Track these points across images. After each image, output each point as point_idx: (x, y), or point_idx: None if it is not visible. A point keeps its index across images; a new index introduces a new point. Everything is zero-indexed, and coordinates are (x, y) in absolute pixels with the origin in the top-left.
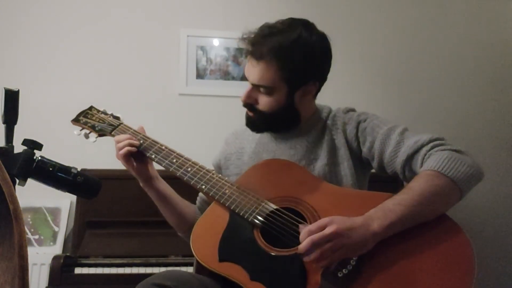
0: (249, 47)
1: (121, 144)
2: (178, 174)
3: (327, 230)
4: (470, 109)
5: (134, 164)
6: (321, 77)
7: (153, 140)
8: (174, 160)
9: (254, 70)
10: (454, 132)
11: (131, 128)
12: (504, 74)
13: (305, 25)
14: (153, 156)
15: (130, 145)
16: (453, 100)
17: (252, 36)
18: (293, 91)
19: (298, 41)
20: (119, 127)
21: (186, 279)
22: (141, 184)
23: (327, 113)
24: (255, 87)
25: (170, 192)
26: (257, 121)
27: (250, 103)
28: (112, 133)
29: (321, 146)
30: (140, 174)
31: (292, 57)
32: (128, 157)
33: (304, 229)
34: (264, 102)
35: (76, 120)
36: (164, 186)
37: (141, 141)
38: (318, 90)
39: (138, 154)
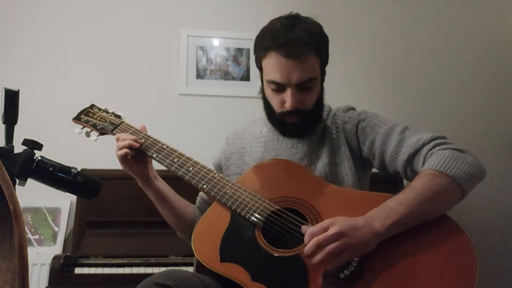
0: (281, 49)
1: (120, 144)
2: (179, 174)
3: (331, 231)
4: (470, 109)
5: (133, 166)
6: None
7: (154, 139)
8: (176, 160)
9: (299, 68)
10: (454, 131)
11: (132, 127)
12: (505, 74)
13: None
14: (154, 156)
15: (130, 146)
16: (453, 99)
17: (277, 38)
18: (322, 76)
19: (318, 26)
20: (121, 126)
21: (187, 279)
22: (139, 184)
23: (327, 112)
24: (299, 86)
25: (169, 191)
26: (302, 124)
27: (297, 107)
28: (114, 132)
29: (322, 146)
30: (138, 174)
31: (322, 40)
32: (125, 158)
33: (307, 232)
34: (309, 98)
35: (77, 119)
36: (163, 186)
37: (142, 140)
38: None
39: (138, 154)
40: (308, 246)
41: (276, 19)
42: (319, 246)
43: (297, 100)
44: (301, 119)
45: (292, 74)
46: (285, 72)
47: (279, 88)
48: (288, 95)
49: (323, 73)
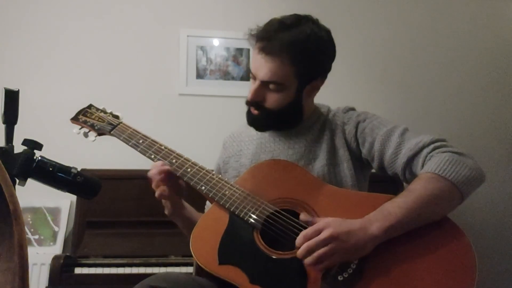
0: (260, 42)
1: (154, 185)
2: (178, 175)
3: (323, 235)
4: (471, 109)
5: (171, 199)
6: (327, 72)
7: (152, 140)
8: (174, 161)
9: (266, 67)
10: (454, 132)
11: (130, 128)
12: (505, 74)
13: (313, 21)
14: (152, 156)
15: (161, 180)
16: (454, 100)
17: (263, 30)
18: (302, 87)
19: (311, 36)
20: (119, 126)
21: (182, 281)
22: (166, 213)
23: (326, 112)
24: (264, 84)
25: (195, 216)
26: (262, 119)
27: (257, 101)
28: (112, 132)
29: (320, 146)
30: (172, 206)
31: (307, 52)
32: (164, 196)
33: (300, 234)
34: (273, 99)
35: (75, 119)
36: (189, 214)
37: (141, 141)
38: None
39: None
40: (300, 251)
41: (283, 16)
42: (310, 251)
43: (256, 95)
44: (263, 114)
45: (259, 69)
46: (255, 65)
47: (254, 78)
48: (253, 87)
49: (301, 83)
